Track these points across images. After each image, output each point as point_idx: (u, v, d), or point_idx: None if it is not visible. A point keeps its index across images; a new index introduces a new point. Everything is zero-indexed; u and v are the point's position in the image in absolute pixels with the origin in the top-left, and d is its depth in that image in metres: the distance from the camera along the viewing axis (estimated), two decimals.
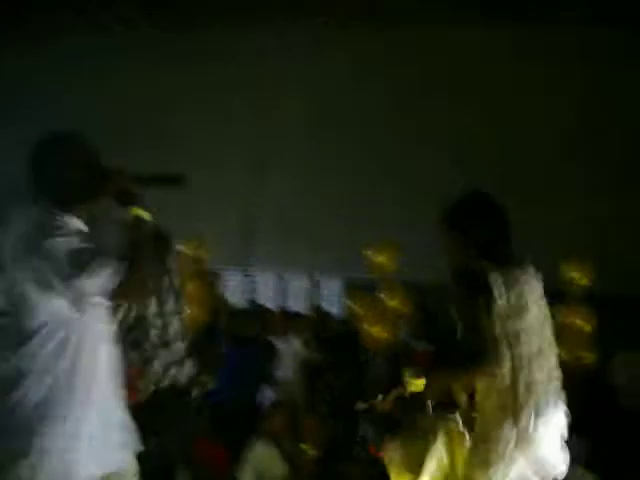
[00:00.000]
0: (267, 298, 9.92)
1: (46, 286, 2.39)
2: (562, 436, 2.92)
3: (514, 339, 2.79)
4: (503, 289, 2.80)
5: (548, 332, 2.98)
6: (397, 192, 9.42)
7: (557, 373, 2.96)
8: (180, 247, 6.28)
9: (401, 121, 9.70)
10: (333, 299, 10.03)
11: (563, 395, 3.00)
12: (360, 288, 7.37)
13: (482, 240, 2.96)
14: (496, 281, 2.79)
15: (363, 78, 9.92)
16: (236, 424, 5.40)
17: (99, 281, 2.38)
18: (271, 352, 6.59)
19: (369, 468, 4.92)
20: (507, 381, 2.78)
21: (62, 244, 2.40)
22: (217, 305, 7.10)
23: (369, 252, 6.93)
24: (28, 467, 2.35)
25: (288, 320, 7.57)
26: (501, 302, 2.78)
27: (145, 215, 2.60)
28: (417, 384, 3.97)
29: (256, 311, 8.06)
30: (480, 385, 2.91)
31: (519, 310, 2.83)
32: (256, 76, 10.16)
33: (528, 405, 2.78)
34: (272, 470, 4.85)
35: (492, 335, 2.69)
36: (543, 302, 2.99)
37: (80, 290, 2.39)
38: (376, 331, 6.36)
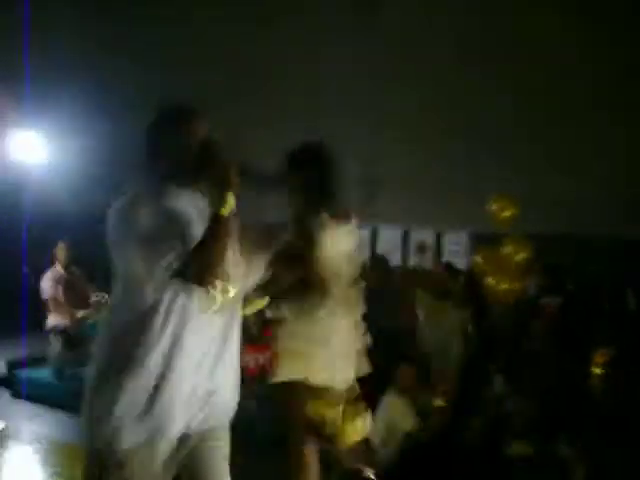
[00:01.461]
0: (392, 253, 10.02)
1: (143, 263, 2.34)
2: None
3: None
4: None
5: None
6: (521, 146, 9.28)
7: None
8: None
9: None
10: (457, 254, 10.03)
11: None
12: (484, 242, 7.36)
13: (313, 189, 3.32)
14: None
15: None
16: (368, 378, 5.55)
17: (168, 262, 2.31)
18: None
19: (498, 422, 5.01)
20: None
21: (160, 219, 2.35)
22: None
23: (494, 207, 6.89)
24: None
25: (415, 275, 7.64)
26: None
27: (233, 204, 2.45)
28: None
29: (382, 265, 8.11)
30: None
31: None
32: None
33: None
34: (403, 424, 5.00)
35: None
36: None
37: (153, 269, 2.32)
38: (503, 285, 6.36)
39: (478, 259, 6.90)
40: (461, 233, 10.12)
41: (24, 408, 6.14)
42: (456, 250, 10.12)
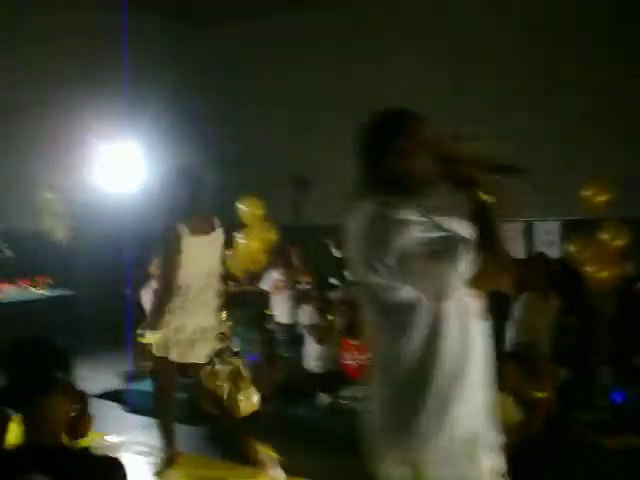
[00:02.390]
0: None
1: (394, 279, 2.24)
2: None
3: None
4: None
5: None
6: (617, 129, 9.07)
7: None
8: None
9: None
10: (549, 242, 9.80)
11: None
12: (578, 229, 7.18)
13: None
14: None
15: None
16: None
17: (459, 269, 2.18)
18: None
19: (606, 414, 4.90)
20: None
21: (407, 236, 2.19)
22: None
23: (588, 192, 6.71)
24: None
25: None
26: None
27: (489, 198, 2.29)
28: None
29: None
30: None
31: None
32: None
33: None
34: (507, 417, 4.95)
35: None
36: None
37: (441, 280, 2.20)
38: (600, 273, 6.20)
39: (572, 247, 6.73)
40: (553, 222, 9.87)
41: (135, 420, 6.33)
42: (549, 240, 9.88)
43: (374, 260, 2.23)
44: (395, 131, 2.35)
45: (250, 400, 5.11)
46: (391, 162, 2.34)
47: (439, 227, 2.26)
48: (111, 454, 2.23)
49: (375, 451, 2.43)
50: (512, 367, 5.05)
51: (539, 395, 5.11)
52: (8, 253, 8.08)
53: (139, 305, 7.87)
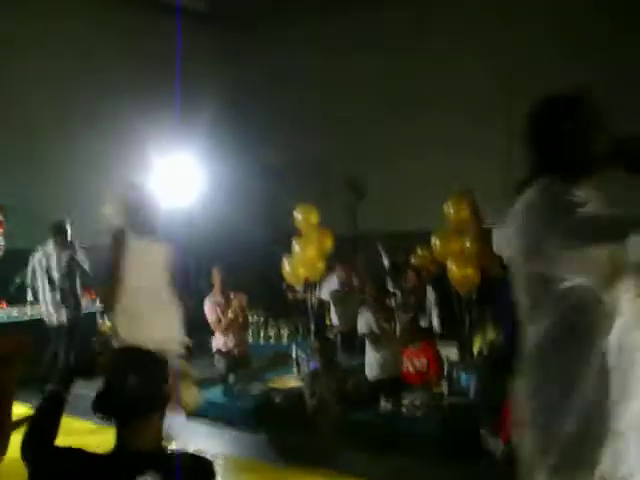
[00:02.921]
0: None
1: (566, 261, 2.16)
2: None
3: None
4: None
5: None
6: None
7: None
8: None
9: None
10: None
11: None
12: None
13: None
14: None
15: None
16: None
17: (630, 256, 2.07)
18: None
19: None
20: None
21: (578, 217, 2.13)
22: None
23: None
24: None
25: None
26: None
27: None
28: None
29: None
30: None
31: None
32: None
33: None
34: None
35: None
36: None
37: (613, 266, 2.11)
38: None
39: None
40: None
41: (199, 427, 6.42)
42: None
43: (543, 242, 2.18)
44: (567, 113, 2.33)
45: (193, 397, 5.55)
46: (564, 143, 2.33)
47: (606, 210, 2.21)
48: None
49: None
50: None
51: None
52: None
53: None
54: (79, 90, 10.28)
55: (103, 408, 2.11)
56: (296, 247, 8.40)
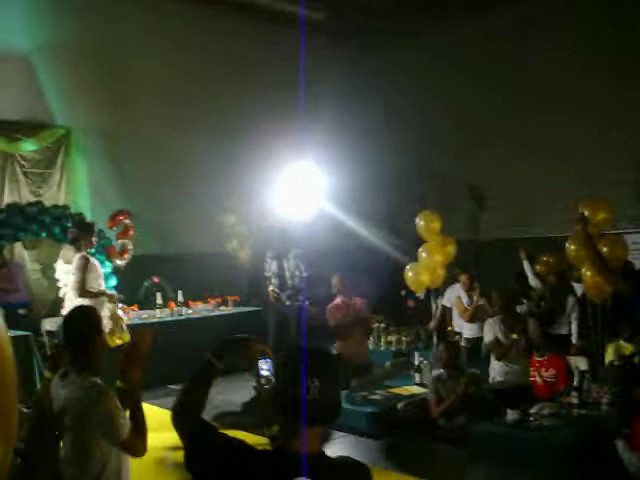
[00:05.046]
0: None
1: None
2: None
3: None
4: None
5: None
6: None
7: None
8: None
9: None
10: None
11: None
12: None
13: None
14: None
15: None
16: None
17: None
18: None
19: None
20: None
21: None
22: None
23: None
24: None
25: None
26: None
27: None
28: None
29: None
30: None
31: None
32: None
33: None
34: None
35: None
36: None
37: None
38: None
39: None
40: None
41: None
42: None
43: None
44: None
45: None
46: None
47: None
48: None
49: None
50: None
51: None
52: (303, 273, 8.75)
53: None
54: (200, 98, 10.64)
55: (284, 412, 2.08)
56: (420, 254, 8.35)
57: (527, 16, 10.66)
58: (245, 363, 2.57)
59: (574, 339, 7.87)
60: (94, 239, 7.25)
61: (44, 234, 8.40)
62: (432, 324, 9.10)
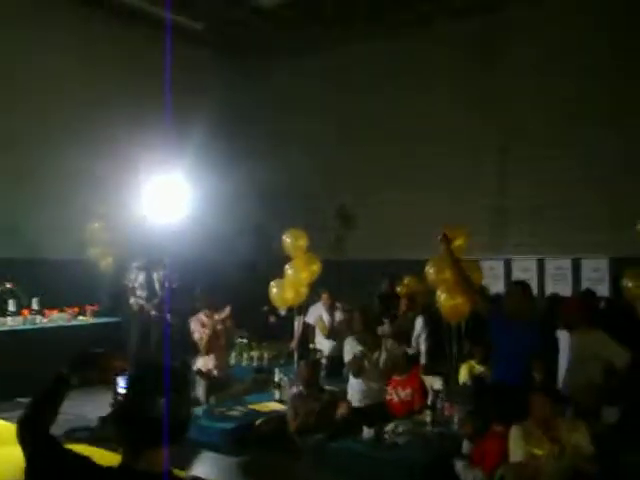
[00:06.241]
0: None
1: None
2: None
3: None
4: None
5: None
6: None
7: None
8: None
9: None
10: (596, 280, 9.69)
11: None
12: (629, 266, 7.14)
13: None
14: None
15: None
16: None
17: None
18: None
19: None
20: None
21: None
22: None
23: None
24: None
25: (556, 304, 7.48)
26: None
27: None
28: None
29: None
30: None
31: None
32: None
33: None
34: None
35: None
36: None
37: None
38: None
39: (628, 283, 6.66)
40: (601, 259, 9.75)
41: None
42: (596, 277, 9.76)
43: None
44: None
45: None
46: None
47: None
48: None
49: None
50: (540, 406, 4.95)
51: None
52: None
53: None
54: (70, 105, 10.28)
55: (123, 430, 2.04)
56: (286, 271, 8.40)
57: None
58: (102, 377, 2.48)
59: (423, 359, 8.17)
60: None
61: None
62: (294, 342, 9.17)
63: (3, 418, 6.17)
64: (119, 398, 2.10)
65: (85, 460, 2.06)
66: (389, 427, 6.24)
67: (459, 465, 5.33)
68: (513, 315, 5.69)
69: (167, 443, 2.02)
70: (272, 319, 10.52)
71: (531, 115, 10.17)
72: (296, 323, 9.13)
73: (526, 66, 10.25)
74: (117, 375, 2.21)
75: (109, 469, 2.04)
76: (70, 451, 2.10)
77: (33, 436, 2.15)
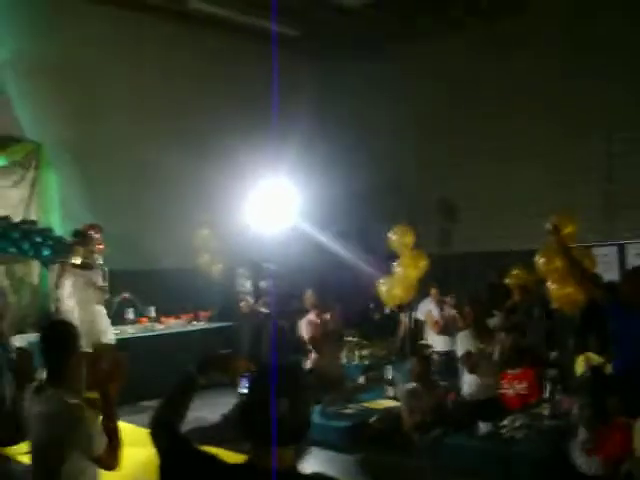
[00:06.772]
0: None
1: None
2: None
3: None
4: None
5: None
6: None
7: None
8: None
9: None
10: None
11: None
12: None
13: None
14: None
15: None
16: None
17: None
18: None
19: None
20: None
21: None
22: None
23: None
24: None
25: None
26: None
27: None
28: None
29: None
30: None
31: None
32: None
33: None
34: None
35: None
36: None
37: None
38: None
39: None
40: None
41: None
42: None
43: None
44: None
45: None
46: None
47: None
48: None
49: None
50: None
51: None
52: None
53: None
54: (177, 115, 10.63)
55: (250, 432, 2.07)
56: (395, 268, 8.41)
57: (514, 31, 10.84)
58: (224, 379, 2.57)
59: (544, 351, 7.96)
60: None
61: (13, 249, 8.30)
62: (398, 338, 9.16)
63: (127, 421, 6.49)
64: (244, 398, 2.15)
65: (214, 458, 2.13)
66: (506, 421, 6.13)
67: (576, 453, 5.18)
68: (632, 303, 5.45)
69: (289, 442, 2.06)
70: (377, 317, 10.54)
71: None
72: (405, 319, 9.11)
73: None
74: (243, 376, 2.27)
75: (236, 466, 2.10)
76: (200, 450, 2.18)
77: (166, 435, 2.25)
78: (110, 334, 7.86)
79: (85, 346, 6.33)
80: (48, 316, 8.18)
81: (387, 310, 9.93)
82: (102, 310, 7.85)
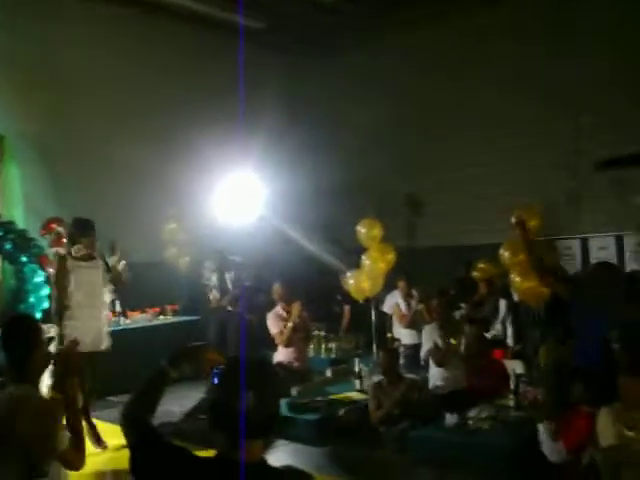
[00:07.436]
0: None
1: None
2: None
3: None
4: None
5: None
6: None
7: None
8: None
9: None
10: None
11: None
12: None
13: None
14: None
15: None
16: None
17: None
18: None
19: None
20: None
21: None
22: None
23: None
24: None
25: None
26: None
27: None
28: None
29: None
30: None
31: None
32: None
33: None
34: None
35: None
36: None
37: None
38: None
39: None
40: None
41: None
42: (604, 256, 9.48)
43: None
44: None
45: None
46: None
47: None
48: None
49: None
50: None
51: None
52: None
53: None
54: (140, 108, 10.52)
55: (219, 425, 2.09)
56: (363, 262, 8.43)
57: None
58: (196, 372, 2.57)
59: (510, 343, 8.06)
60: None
61: None
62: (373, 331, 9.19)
63: (95, 417, 6.44)
64: (212, 391, 2.16)
65: (184, 451, 2.15)
66: (472, 413, 6.19)
67: (542, 439, 5.23)
68: (592, 298, 5.52)
69: (257, 436, 2.09)
70: (341, 309, 10.57)
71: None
72: (373, 313, 9.15)
73: None
74: (214, 369, 2.27)
75: (206, 459, 2.12)
76: (171, 443, 2.20)
77: (136, 428, 2.26)
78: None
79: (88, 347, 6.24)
80: (11, 311, 8.01)
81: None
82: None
